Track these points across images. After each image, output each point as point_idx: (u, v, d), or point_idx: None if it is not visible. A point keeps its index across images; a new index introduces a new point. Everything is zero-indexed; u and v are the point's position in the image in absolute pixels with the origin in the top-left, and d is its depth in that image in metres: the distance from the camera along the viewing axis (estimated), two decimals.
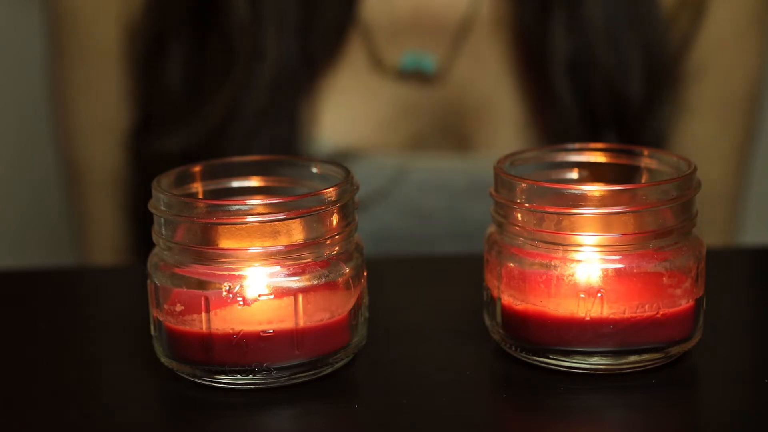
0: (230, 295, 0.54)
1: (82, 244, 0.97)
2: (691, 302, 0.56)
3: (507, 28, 0.89)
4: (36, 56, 1.08)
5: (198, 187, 0.59)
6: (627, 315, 0.55)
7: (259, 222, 0.54)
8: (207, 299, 0.54)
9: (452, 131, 0.91)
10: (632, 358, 0.56)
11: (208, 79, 0.87)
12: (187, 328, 0.55)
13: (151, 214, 0.56)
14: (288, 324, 0.54)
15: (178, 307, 0.55)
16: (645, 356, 0.56)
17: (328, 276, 0.55)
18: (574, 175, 0.61)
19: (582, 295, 0.55)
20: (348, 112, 0.90)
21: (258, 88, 0.86)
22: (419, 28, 0.89)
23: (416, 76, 0.89)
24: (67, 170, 0.96)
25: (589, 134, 0.87)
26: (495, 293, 0.57)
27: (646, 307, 0.55)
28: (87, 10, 0.90)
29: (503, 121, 0.91)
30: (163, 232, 0.55)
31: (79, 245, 0.98)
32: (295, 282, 0.54)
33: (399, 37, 0.89)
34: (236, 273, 0.54)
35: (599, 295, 0.55)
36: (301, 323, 0.55)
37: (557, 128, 0.88)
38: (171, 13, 0.88)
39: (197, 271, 0.54)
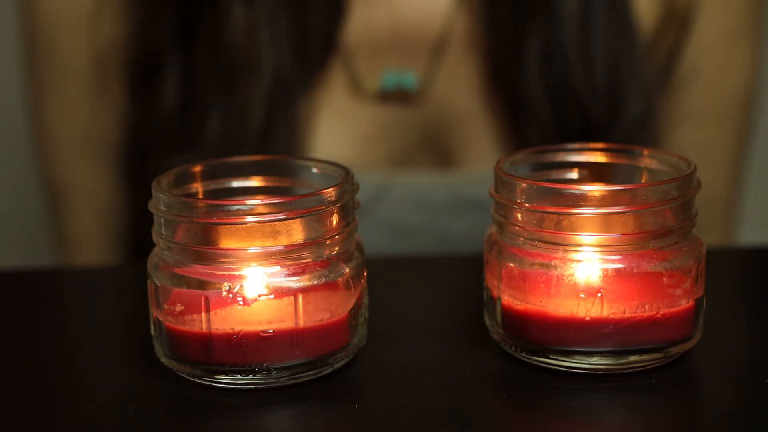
0: (230, 295, 0.54)
1: (64, 252, 0.97)
2: (691, 302, 0.56)
3: (480, 50, 0.89)
4: (13, 59, 1.07)
5: (198, 187, 0.59)
6: (627, 315, 0.55)
7: (259, 222, 0.54)
8: (207, 299, 0.54)
9: (433, 147, 0.92)
10: (632, 358, 0.56)
11: (203, 96, 0.87)
12: (187, 328, 0.55)
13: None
14: (288, 324, 0.54)
15: (178, 307, 0.55)
16: (645, 356, 0.56)
17: (328, 276, 0.55)
18: (574, 175, 0.61)
19: (582, 295, 0.55)
20: (329, 132, 0.90)
21: (257, 102, 0.86)
22: (397, 47, 0.89)
23: (396, 94, 0.89)
24: (45, 184, 0.96)
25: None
26: (495, 293, 0.57)
27: (646, 307, 0.55)
28: (60, 27, 0.90)
29: (483, 136, 0.91)
30: (163, 232, 0.55)
31: (59, 252, 0.98)
32: (295, 282, 0.54)
33: (378, 57, 0.89)
34: (236, 273, 0.54)
35: (599, 295, 0.55)
36: (301, 323, 0.55)
37: (535, 144, 0.88)
38: (161, 31, 0.88)
39: (197, 271, 0.54)
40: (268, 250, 0.54)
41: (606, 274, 0.55)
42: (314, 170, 0.60)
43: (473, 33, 0.89)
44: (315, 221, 0.55)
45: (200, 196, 0.59)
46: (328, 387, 0.56)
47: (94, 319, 0.66)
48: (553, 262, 0.55)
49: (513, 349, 0.57)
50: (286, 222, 0.54)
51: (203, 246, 0.54)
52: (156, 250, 0.56)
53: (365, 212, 0.87)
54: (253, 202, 0.55)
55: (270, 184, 0.61)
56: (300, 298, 0.54)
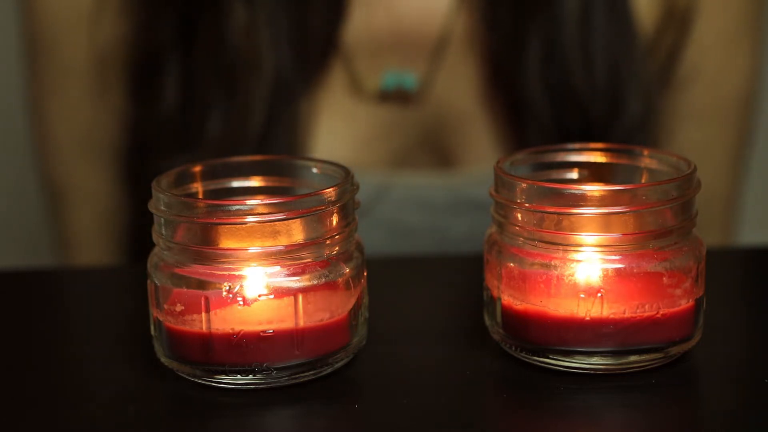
0: (230, 295, 0.54)
1: (64, 252, 0.97)
2: (691, 302, 0.56)
3: (480, 50, 0.89)
4: (13, 59, 1.07)
5: (198, 187, 0.59)
6: (627, 315, 0.55)
7: (259, 222, 0.54)
8: (207, 299, 0.54)
9: (433, 147, 0.92)
10: (632, 358, 0.56)
11: (203, 96, 0.87)
12: (187, 328, 0.55)
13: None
14: (288, 324, 0.54)
15: (178, 307, 0.55)
16: (645, 356, 0.56)
17: (328, 276, 0.55)
18: (574, 175, 0.61)
19: (582, 295, 0.55)
20: (329, 132, 0.90)
21: (257, 101, 0.86)
22: (397, 47, 0.89)
23: (396, 94, 0.89)
24: (45, 184, 0.96)
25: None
26: (495, 293, 0.57)
27: (646, 307, 0.55)
28: (60, 27, 0.90)
29: (483, 136, 0.91)
30: (163, 232, 0.55)
31: (59, 252, 0.98)
32: (295, 282, 0.54)
33: (378, 57, 0.89)
34: (236, 273, 0.54)
35: (599, 295, 0.55)
36: (301, 323, 0.55)
37: (535, 144, 0.88)
38: (161, 31, 0.88)
39: (197, 271, 0.54)
40: (268, 250, 0.54)
41: (606, 274, 0.55)
42: (314, 170, 0.60)
43: (473, 33, 0.89)
44: (315, 221, 0.55)
45: (200, 196, 0.59)
46: (328, 387, 0.56)
47: (94, 319, 0.66)
48: (553, 262, 0.55)
49: (513, 349, 0.57)
50: (286, 222, 0.54)
51: (203, 246, 0.54)
52: (156, 250, 0.56)
53: (365, 212, 0.87)
54: (253, 202, 0.55)
55: (270, 184, 0.61)
56: (300, 298, 0.54)
